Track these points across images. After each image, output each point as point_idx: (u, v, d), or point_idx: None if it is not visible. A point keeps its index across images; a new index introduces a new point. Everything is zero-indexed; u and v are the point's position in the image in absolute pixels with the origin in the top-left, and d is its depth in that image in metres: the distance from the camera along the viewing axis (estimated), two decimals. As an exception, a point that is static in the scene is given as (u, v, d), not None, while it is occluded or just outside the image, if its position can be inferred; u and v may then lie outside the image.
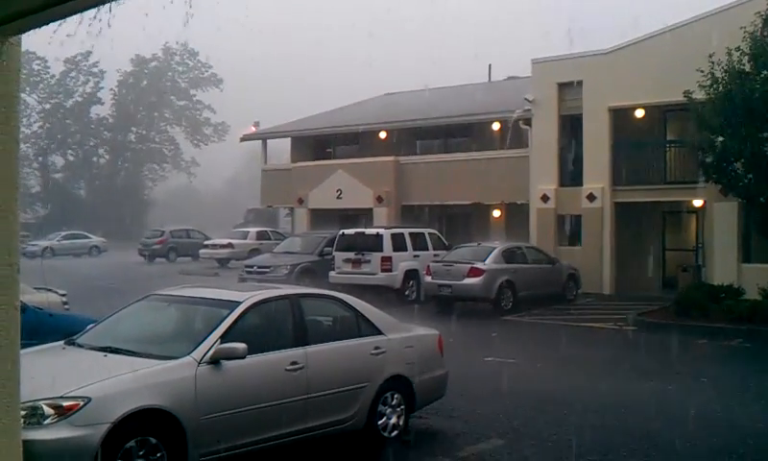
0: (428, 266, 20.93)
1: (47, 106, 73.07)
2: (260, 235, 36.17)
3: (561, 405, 10.04)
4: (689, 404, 10.18)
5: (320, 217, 31.35)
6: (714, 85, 18.11)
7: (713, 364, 13.89)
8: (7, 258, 2.19)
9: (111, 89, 74.40)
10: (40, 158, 71.61)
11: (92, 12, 1.91)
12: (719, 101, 18.01)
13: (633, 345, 16.05)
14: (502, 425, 9.03)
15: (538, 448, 8.21)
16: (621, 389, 11.30)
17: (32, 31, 2.03)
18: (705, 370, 13.02)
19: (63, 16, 1.91)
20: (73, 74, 73.54)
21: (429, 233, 23.60)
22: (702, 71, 18.23)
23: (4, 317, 2.19)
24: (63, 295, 12.51)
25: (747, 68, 17.85)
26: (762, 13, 17.91)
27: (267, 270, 23.38)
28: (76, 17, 1.89)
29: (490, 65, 39.76)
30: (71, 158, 75.73)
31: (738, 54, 17.93)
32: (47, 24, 1.96)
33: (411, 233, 22.97)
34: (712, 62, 18.11)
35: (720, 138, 18.28)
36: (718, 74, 18.06)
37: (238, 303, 7.40)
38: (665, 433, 8.74)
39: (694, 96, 18.66)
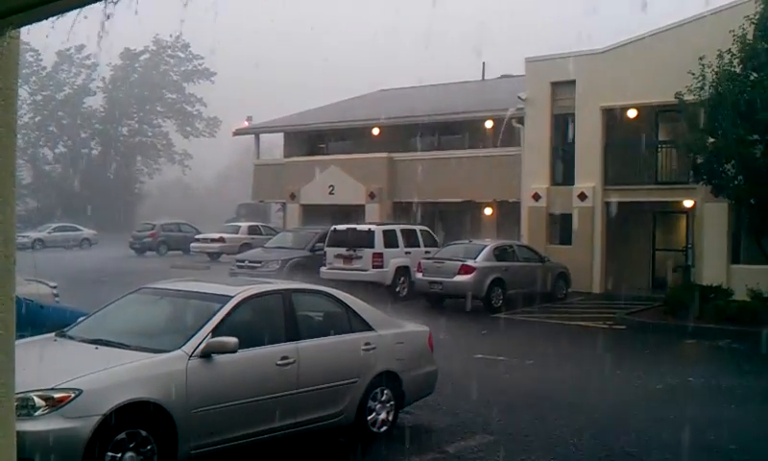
0: (419, 263, 20.96)
1: (38, 97, 72.71)
2: (252, 230, 36.12)
3: (549, 403, 10.10)
4: (676, 404, 10.26)
5: (312, 213, 31.35)
6: (705, 87, 18.21)
7: (701, 364, 13.98)
8: (3, 250, 2.20)
9: (100, 84, 74.07)
10: (30, 150, 71.21)
11: (92, 6, 1.93)
12: (710, 103, 18.12)
13: (621, 344, 16.13)
14: (490, 422, 9.08)
15: (525, 444, 8.26)
16: (608, 388, 11.37)
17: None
18: (692, 370, 13.10)
19: (63, 10, 1.93)
20: (65, 66, 73.22)
21: (421, 230, 23.65)
22: (693, 73, 18.33)
23: (0, 308, 2.20)
24: (54, 287, 12.47)
25: (737, 71, 17.95)
26: (752, 17, 18.01)
27: (258, 265, 23.37)
28: (75, 11, 1.91)
29: (484, 63, 39.93)
30: (62, 150, 75.40)
31: (729, 56, 18.04)
32: (47, 18, 1.98)
33: (402, 230, 23.02)
34: (703, 65, 18.22)
35: (711, 140, 18.38)
36: (709, 76, 18.16)
37: (230, 298, 7.42)
38: (652, 432, 8.81)
39: (685, 98, 18.76)
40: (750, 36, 17.94)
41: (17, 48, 2.09)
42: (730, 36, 18.04)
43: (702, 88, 18.19)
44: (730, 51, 18.01)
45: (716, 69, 18.04)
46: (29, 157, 71.23)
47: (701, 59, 18.22)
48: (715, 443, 8.46)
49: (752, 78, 17.57)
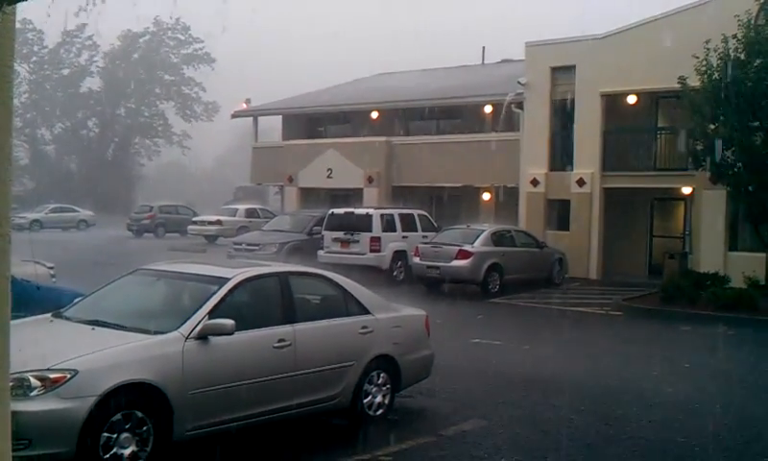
0: (417, 247, 20.97)
1: (37, 77, 72.30)
2: (249, 213, 36.10)
3: (544, 388, 10.13)
4: (671, 389, 10.29)
5: (310, 196, 31.33)
6: (709, 72, 18.14)
7: (697, 351, 14.01)
8: (-2, 229, 2.19)
9: (100, 64, 73.64)
10: (27, 130, 70.86)
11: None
12: (713, 88, 18.06)
13: (618, 330, 16.16)
14: (486, 406, 9.11)
15: (520, 429, 8.29)
16: (605, 373, 11.40)
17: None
18: (688, 356, 13.15)
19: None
20: (66, 46, 72.78)
21: (419, 215, 23.64)
22: (697, 57, 18.25)
23: (-5, 287, 2.19)
24: (51, 268, 12.46)
25: (741, 56, 17.88)
26: (760, 0, 17.92)
27: (255, 248, 23.38)
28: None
29: (483, 48, 39.77)
30: (60, 131, 75.08)
31: (734, 41, 17.96)
32: (42, -5, 1.95)
33: (400, 214, 23.01)
34: (708, 49, 18.12)
35: (712, 126, 18.35)
36: (713, 61, 18.07)
37: (227, 280, 7.41)
38: (647, 418, 8.83)
39: (689, 83, 18.68)
40: (754, 21, 17.88)
41: (12, 25, 2.06)
42: (731, 23, 17.97)
43: (706, 73, 18.13)
44: (735, 36, 17.94)
45: (721, 54, 17.96)
46: (27, 138, 70.91)
47: (706, 42, 18.12)
48: (714, 429, 8.49)
49: (756, 63, 17.52)
